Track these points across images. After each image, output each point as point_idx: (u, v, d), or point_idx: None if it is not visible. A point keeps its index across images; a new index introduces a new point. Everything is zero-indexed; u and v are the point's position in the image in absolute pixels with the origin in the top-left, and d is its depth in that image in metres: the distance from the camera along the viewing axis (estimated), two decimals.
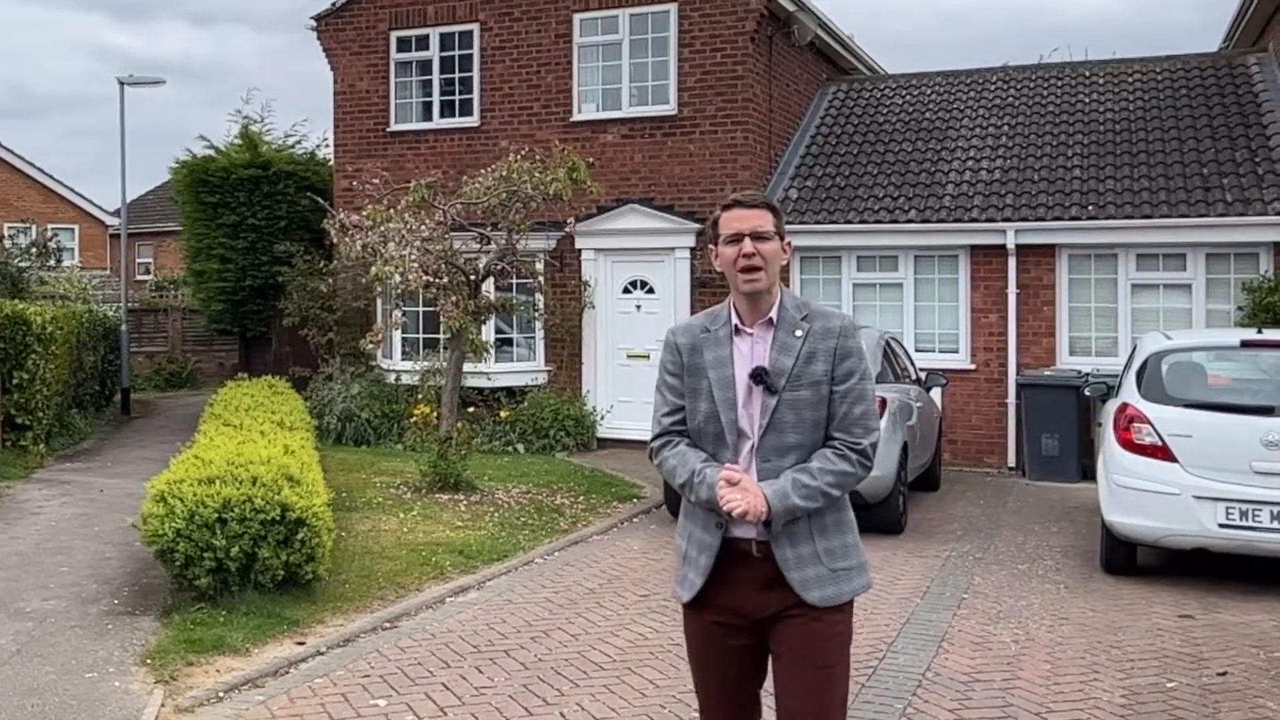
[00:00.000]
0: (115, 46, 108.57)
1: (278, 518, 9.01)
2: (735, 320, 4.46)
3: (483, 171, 15.10)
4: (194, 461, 9.71)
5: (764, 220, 4.41)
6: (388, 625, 8.99)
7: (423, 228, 14.15)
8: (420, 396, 17.69)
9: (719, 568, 4.39)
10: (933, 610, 9.41)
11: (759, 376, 4.32)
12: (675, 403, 4.51)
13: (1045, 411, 16.50)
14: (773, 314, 4.42)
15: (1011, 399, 17.55)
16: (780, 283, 4.53)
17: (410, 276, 13.79)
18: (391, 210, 14.33)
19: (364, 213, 14.57)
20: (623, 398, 19.65)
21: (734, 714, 4.55)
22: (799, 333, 4.38)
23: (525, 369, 20.23)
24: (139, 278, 41.01)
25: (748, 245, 4.36)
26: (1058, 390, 16.41)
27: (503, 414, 19.17)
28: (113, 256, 42.96)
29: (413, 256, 13.83)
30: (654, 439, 4.58)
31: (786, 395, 4.32)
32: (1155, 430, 10.34)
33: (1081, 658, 8.20)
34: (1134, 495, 10.32)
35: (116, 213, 42.48)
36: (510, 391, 19.91)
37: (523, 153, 15.31)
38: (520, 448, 18.65)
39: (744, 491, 4.21)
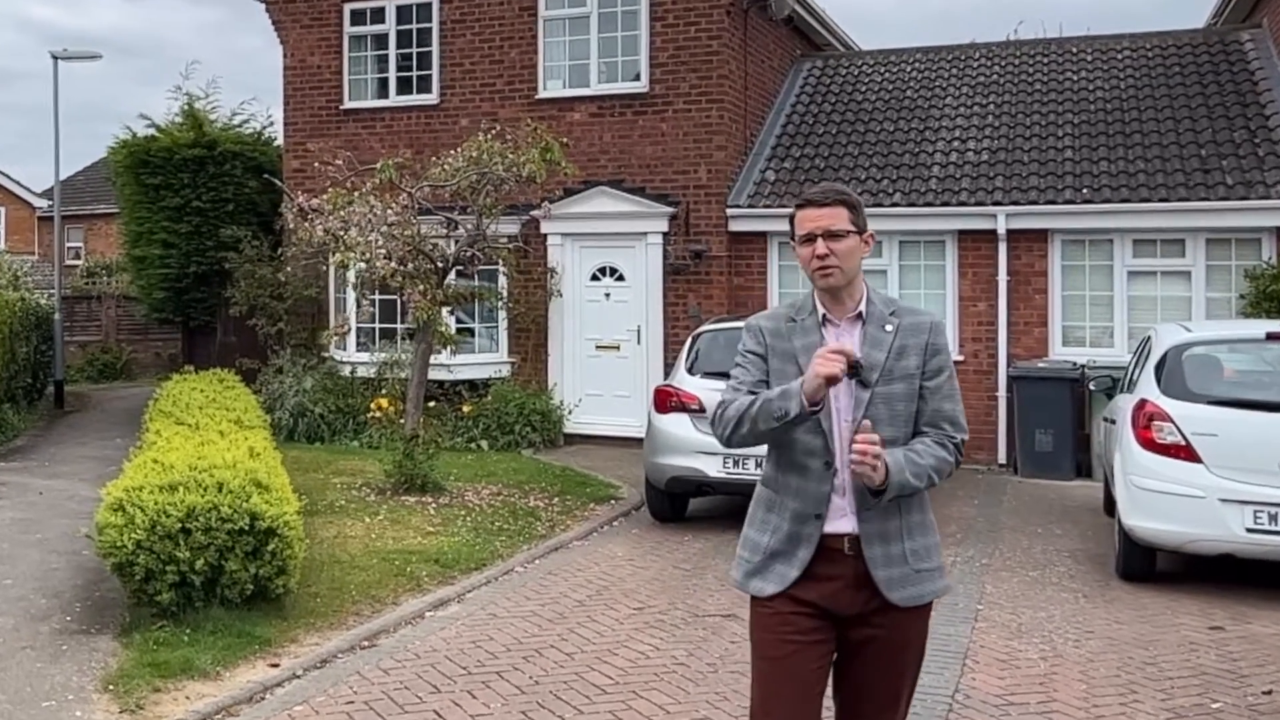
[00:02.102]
0: (39, 19, 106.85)
1: (246, 527, 8.62)
2: (823, 310, 4.50)
3: (452, 152, 14.67)
4: (153, 466, 9.27)
5: (837, 217, 4.43)
6: (366, 644, 8.62)
7: (388, 212, 13.73)
8: (384, 391, 17.25)
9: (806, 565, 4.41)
10: (949, 623, 9.11)
11: (854, 370, 4.28)
12: (758, 376, 4.52)
13: (1039, 405, 16.27)
14: (861, 308, 4.47)
15: (1002, 392, 17.30)
16: (864, 279, 4.58)
17: (378, 264, 13.37)
18: (355, 193, 13.92)
19: (325, 196, 14.13)
20: (591, 391, 19.31)
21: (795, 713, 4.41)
22: (889, 327, 4.44)
23: (488, 361, 19.84)
24: (69, 263, 40.22)
25: (820, 246, 4.40)
26: (1052, 383, 16.18)
27: (465, 408, 18.80)
28: (41, 240, 42.23)
29: (379, 243, 13.40)
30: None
31: (879, 389, 4.37)
32: (1178, 429, 10.10)
33: (1116, 676, 7.93)
34: (1155, 498, 10.07)
35: (44, 194, 41.85)
36: (472, 384, 19.53)
37: (493, 132, 14.94)
38: (484, 444, 18.27)
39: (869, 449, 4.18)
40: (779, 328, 4.51)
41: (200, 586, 8.64)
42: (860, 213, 4.48)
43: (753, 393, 4.44)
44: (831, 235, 4.38)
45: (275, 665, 8.05)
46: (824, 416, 4.33)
